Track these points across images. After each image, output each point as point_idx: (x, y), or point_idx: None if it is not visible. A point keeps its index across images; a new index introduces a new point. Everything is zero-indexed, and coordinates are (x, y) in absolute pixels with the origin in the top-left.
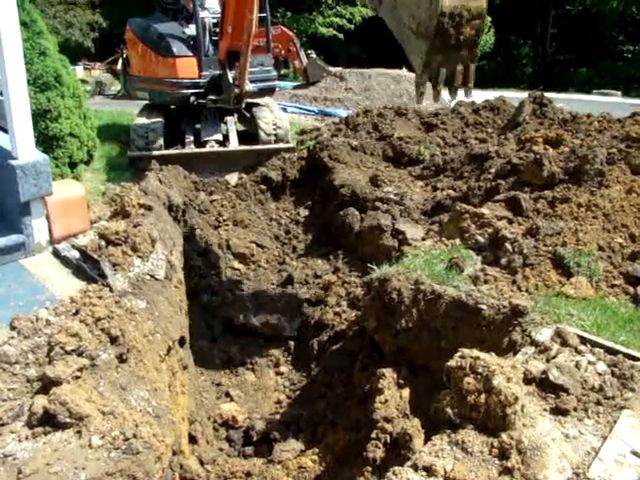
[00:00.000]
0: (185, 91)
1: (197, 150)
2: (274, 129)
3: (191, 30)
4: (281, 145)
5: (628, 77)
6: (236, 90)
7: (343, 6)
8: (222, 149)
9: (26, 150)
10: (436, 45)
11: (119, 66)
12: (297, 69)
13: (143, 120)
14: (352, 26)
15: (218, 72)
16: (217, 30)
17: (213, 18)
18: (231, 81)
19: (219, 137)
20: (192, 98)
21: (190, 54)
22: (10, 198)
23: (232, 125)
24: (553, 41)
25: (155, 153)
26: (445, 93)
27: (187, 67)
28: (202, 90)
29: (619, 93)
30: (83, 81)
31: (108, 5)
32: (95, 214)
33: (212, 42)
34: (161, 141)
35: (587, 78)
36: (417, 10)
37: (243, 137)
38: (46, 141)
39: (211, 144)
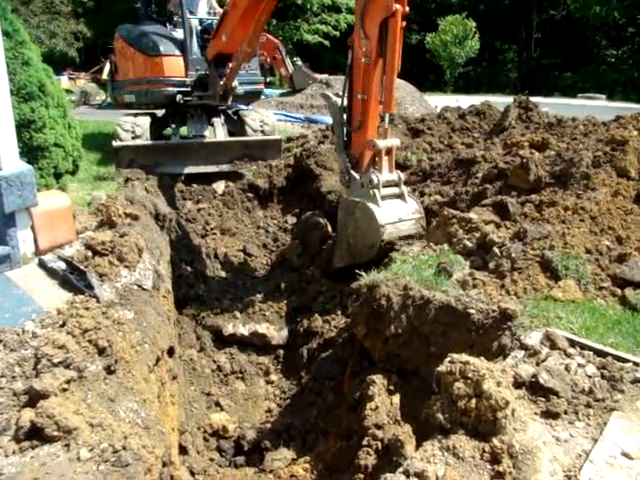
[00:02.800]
0: (171, 89)
1: (183, 141)
2: (261, 125)
3: (179, 34)
4: (268, 137)
5: (612, 81)
6: (222, 86)
7: (328, 13)
8: (209, 140)
9: (10, 161)
10: None
11: (105, 75)
12: (283, 77)
13: (129, 117)
14: (337, 33)
15: (204, 72)
16: (205, 37)
17: (201, 24)
18: (218, 77)
19: (206, 133)
20: (178, 96)
21: (177, 53)
22: None
23: (219, 125)
24: (538, 46)
25: (140, 143)
26: (432, 99)
27: (174, 66)
28: (188, 89)
29: (604, 97)
30: (68, 91)
31: (92, 15)
32: (81, 224)
33: (199, 46)
34: (147, 135)
35: (572, 82)
36: (360, 237)
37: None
38: (30, 152)
39: (197, 139)
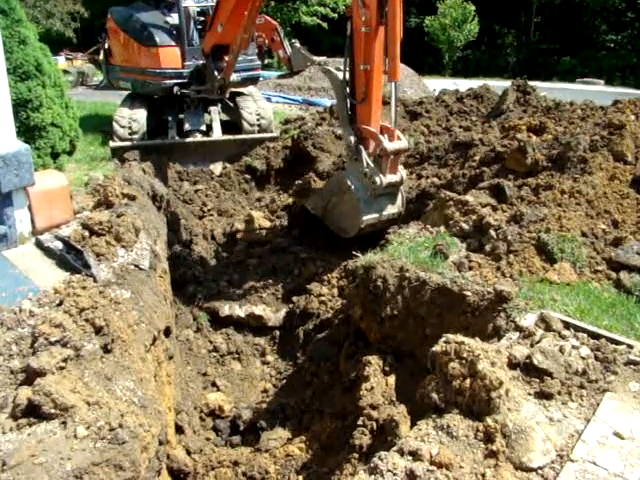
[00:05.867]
0: (168, 81)
1: (180, 140)
2: (257, 119)
3: (174, 19)
4: (265, 135)
5: (611, 66)
6: (220, 80)
7: None
8: (205, 139)
9: (7, 140)
10: None
11: (102, 56)
12: (281, 58)
13: (125, 110)
14: (336, 15)
15: (202, 62)
16: (202, 19)
17: (197, 7)
18: (216, 72)
19: (202, 127)
20: (175, 88)
21: (173, 44)
22: None
23: (216, 115)
24: (537, 30)
25: (137, 143)
26: (430, 82)
27: (170, 57)
28: (185, 80)
29: (602, 82)
30: (65, 72)
31: None
32: (78, 204)
33: (197, 31)
34: (144, 131)
35: (571, 67)
36: (338, 214)
37: (227, 127)
38: (27, 131)
39: (194, 134)
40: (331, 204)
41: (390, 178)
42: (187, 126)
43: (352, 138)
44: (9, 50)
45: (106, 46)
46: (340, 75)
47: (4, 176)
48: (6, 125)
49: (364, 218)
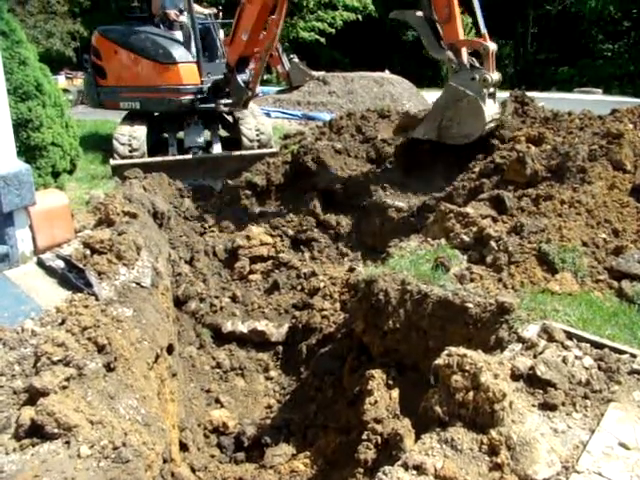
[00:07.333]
0: (190, 97)
1: (180, 157)
2: (257, 135)
3: (176, 36)
4: (264, 150)
5: (609, 75)
6: (248, 92)
7: (324, 10)
8: (205, 155)
9: (7, 160)
10: None
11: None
12: (280, 74)
13: (126, 128)
14: (333, 30)
15: (220, 76)
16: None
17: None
18: (242, 85)
19: (202, 143)
20: (197, 104)
21: (191, 60)
22: None
23: (216, 131)
24: (534, 41)
25: (138, 161)
26: (430, 95)
27: (189, 73)
28: (205, 95)
29: (600, 91)
30: (65, 90)
31: (89, 14)
32: (79, 223)
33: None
34: (144, 148)
35: (569, 77)
36: (457, 124)
37: (226, 143)
38: (28, 151)
39: (194, 150)
40: (446, 119)
41: (495, 75)
42: (187, 143)
43: (449, 53)
44: (9, 71)
45: (96, 66)
46: (414, 12)
47: (5, 196)
48: (7, 145)
49: (487, 114)
